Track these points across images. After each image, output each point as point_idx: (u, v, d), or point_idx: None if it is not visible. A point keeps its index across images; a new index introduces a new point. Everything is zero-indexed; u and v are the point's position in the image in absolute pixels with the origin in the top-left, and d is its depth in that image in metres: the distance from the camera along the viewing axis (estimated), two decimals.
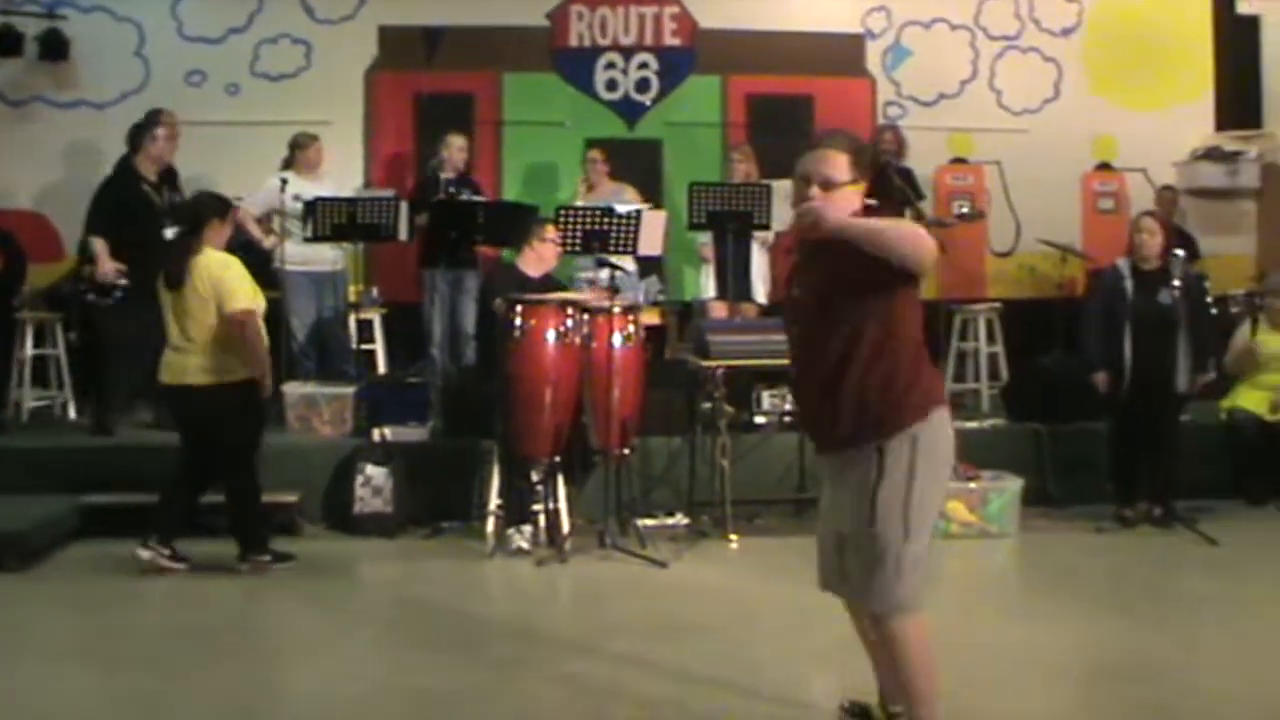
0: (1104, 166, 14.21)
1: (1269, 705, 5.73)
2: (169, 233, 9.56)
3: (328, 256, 11.15)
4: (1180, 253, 9.20)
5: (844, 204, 4.61)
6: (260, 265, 11.25)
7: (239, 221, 11.00)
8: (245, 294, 8.00)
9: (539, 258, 9.14)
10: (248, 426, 8.18)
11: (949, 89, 14.07)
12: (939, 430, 4.73)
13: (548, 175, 12.68)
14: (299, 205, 10.74)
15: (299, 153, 11.35)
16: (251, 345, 7.99)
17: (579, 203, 10.96)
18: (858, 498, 4.66)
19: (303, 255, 11.00)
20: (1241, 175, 14.34)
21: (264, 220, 11.19)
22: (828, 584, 4.99)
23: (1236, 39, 14.33)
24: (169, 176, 10.58)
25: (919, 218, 11.35)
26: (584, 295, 9.25)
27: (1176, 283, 8.99)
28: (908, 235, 4.40)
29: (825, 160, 4.65)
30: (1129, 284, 9.33)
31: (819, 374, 4.67)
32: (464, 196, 11.25)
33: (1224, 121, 14.46)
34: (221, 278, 7.94)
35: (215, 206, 8.26)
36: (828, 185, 4.61)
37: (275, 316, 10.93)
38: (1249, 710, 5.64)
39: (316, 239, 10.58)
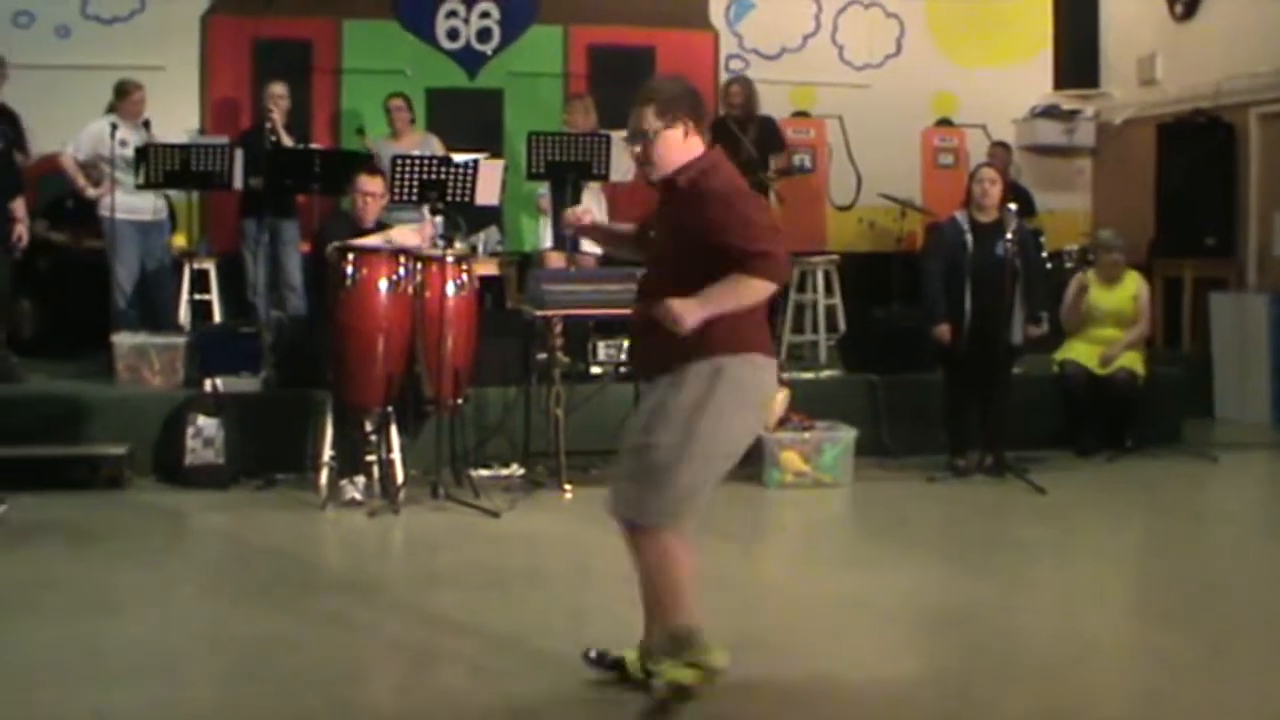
0: (944, 122, 14.42)
1: (1083, 644, 5.84)
2: None
3: (151, 205, 10.90)
4: (1013, 206, 9.34)
5: (665, 148, 4.99)
6: (86, 213, 11.12)
7: (62, 166, 10.78)
8: None
9: (364, 207, 8.97)
10: None
11: (791, 43, 14.09)
12: (752, 372, 4.96)
13: (380, 124, 12.46)
14: (127, 152, 10.50)
15: (123, 100, 11.00)
16: None
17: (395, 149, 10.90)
18: (647, 413, 4.95)
19: (129, 204, 10.71)
20: (1078, 134, 14.61)
21: (89, 167, 10.86)
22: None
23: None
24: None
25: (761, 172, 11.36)
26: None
27: (1010, 235, 9.11)
28: (745, 293, 4.80)
29: (635, 118, 5.01)
30: (969, 237, 9.42)
31: (649, 307, 4.86)
32: (287, 144, 11.15)
33: (1062, 80, 14.67)
34: None
35: None
36: (639, 138, 5.00)
37: (99, 265, 10.81)
38: (1064, 649, 5.75)
39: (149, 186, 10.38)
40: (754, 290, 4.82)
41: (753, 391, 4.96)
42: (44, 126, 11.47)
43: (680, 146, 4.99)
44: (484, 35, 13.39)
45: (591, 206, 11.03)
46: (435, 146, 11.53)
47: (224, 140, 11.07)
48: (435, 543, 7.77)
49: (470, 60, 13.40)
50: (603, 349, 9.73)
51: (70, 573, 7.05)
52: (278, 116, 11.24)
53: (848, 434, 9.30)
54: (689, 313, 4.70)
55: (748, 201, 5.01)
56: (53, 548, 7.53)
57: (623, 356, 9.66)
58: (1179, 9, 13.52)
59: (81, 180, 10.81)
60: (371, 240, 8.66)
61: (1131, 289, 10.54)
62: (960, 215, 9.60)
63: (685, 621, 4.90)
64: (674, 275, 4.88)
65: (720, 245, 4.79)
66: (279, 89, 11.47)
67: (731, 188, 4.99)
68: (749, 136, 11.64)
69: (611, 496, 4.99)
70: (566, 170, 10.50)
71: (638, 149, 5.02)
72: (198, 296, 11.24)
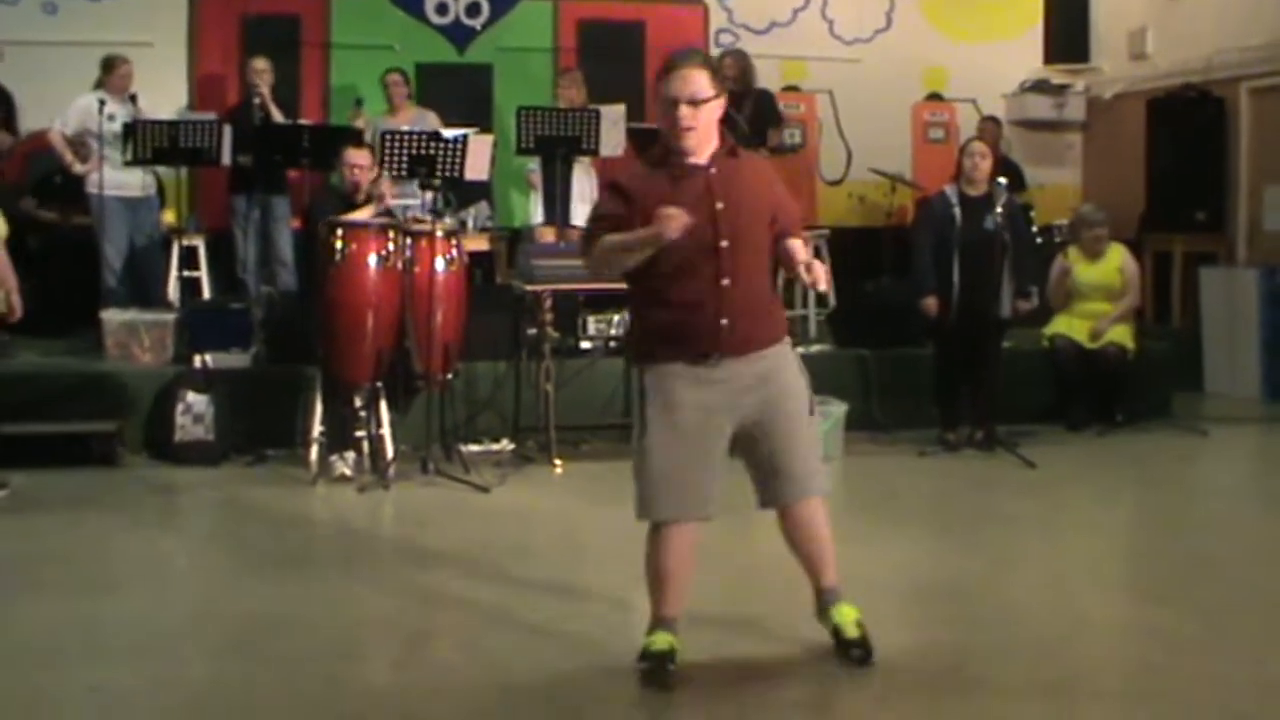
0: (934, 97, 14.40)
1: (1075, 618, 5.86)
2: None
3: (140, 182, 10.87)
4: (1003, 180, 9.34)
5: (709, 118, 4.96)
6: (74, 190, 11.06)
7: (50, 143, 10.75)
8: None
9: (353, 180, 8.95)
10: None
11: (781, 17, 14.07)
12: None
13: (376, 100, 12.43)
14: (115, 127, 10.47)
15: (110, 74, 10.93)
16: None
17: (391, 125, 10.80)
18: (797, 395, 5.11)
19: (117, 180, 10.68)
20: (1068, 108, 14.60)
21: (78, 143, 10.81)
22: (701, 508, 5.09)
23: None
24: None
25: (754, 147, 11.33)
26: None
27: (999, 209, 9.11)
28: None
29: (690, 79, 4.91)
30: (957, 211, 9.41)
31: (744, 279, 4.96)
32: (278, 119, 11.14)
33: (1052, 55, 14.65)
34: None
35: None
36: (695, 102, 4.90)
37: (88, 242, 10.78)
38: (1057, 623, 5.76)
39: (136, 162, 10.35)
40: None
41: None
42: (32, 104, 11.43)
43: (715, 119, 5.01)
44: (473, 10, 13.35)
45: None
46: (432, 122, 11.45)
47: (212, 116, 11.05)
48: (425, 518, 7.76)
49: (459, 35, 13.37)
50: (593, 324, 9.70)
51: (64, 550, 7.04)
52: (265, 91, 11.20)
53: (838, 408, 9.28)
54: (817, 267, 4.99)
55: None
56: (46, 525, 7.51)
57: (613, 331, 9.66)
58: None
59: (69, 156, 10.76)
60: (362, 213, 8.67)
61: (1116, 261, 10.53)
62: (949, 189, 9.59)
63: None
64: (759, 247, 5.02)
65: (784, 213, 5.09)
66: (261, 64, 11.42)
67: None
68: (744, 113, 11.56)
69: (804, 483, 5.13)
70: (556, 145, 10.50)
71: (685, 113, 4.89)
72: (186, 273, 11.23)
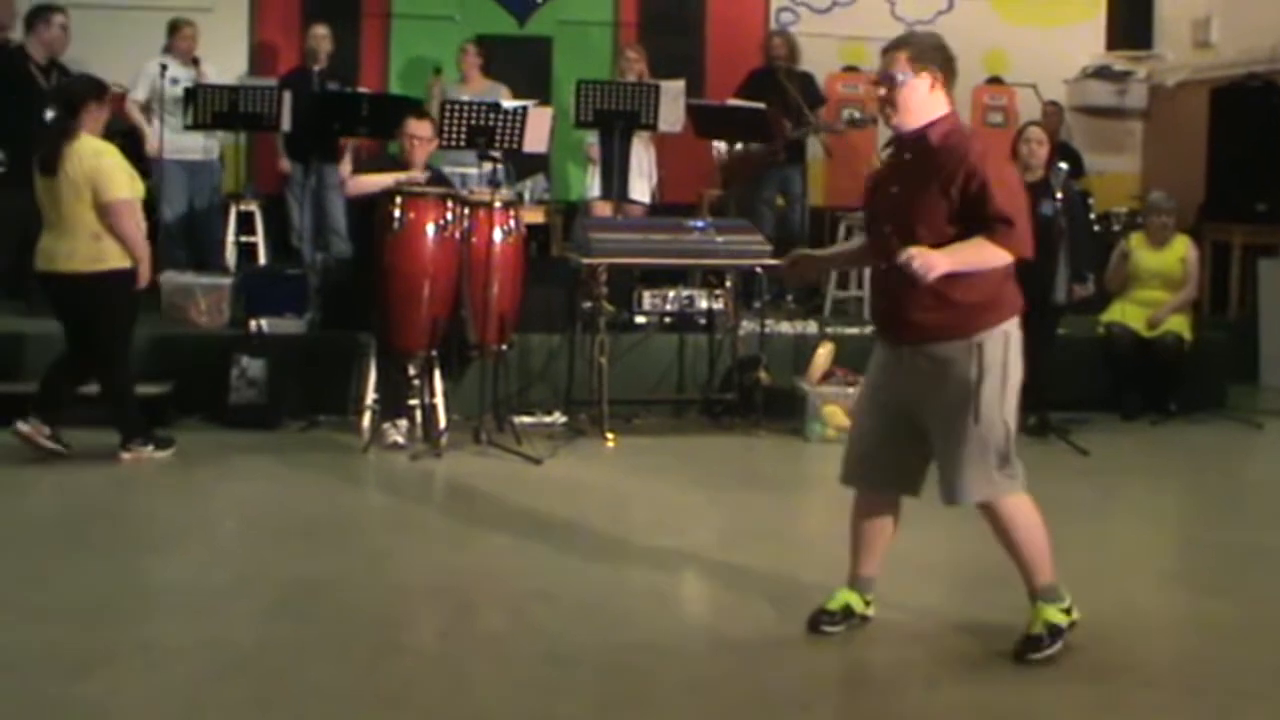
0: (995, 81, 14.27)
1: (1122, 606, 5.86)
2: (49, 114, 9.35)
3: (201, 145, 10.95)
4: (1063, 166, 9.29)
5: (911, 96, 5.02)
6: (134, 152, 11.12)
7: (125, 110, 10.84)
8: (122, 183, 7.82)
9: (412, 150, 8.95)
10: (120, 317, 8.00)
11: None
12: (1017, 334, 5.16)
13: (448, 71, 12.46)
14: (178, 91, 10.55)
15: (174, 36, 11.09)
16: (128, 235, 7.83)
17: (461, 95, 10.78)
18: (960, 396, 5.00)
19: (177, 144, 10.78)
20: (1130, 95, 14.48)
21: (146, 107, 10.93)
22: (881, 481, 5.38)
23: None
24: (57, 67, 10.41)
25: (809, 124, 11.33)
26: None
27: (1058, 195, 9.06)
28: (986, 256, 4.95)
29: (885, 62, 5.08)
30: None
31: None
32: (331, 88, 11.24)
33: (1115, 41, 14.55)
34: (97, 166, 7.74)
35: (91, 89, 8.05)
36: (889, 83, 5.03)
37: (150, 205, 10.84)
38: (1105, 611, 5.67)
39: (197, 126, 10.42)
40: (994, 255, 4.97)
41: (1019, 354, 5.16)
42: (93, 67, 11.44)
43: (925, 98, 5.04)
44: None
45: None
46: (502, 96, 11.39)
47: (272, 82, 11.10)
48: (476, 488, 7.76)
49: (519, 7, 13.36)
50: (648, 298, 9.71)
51: (116, 509, 7.13)
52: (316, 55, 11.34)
53: None
54: (937, 263, 4.82)
55: (1003, 166, 5.14)
56: (99, 483, 7.59)
57: (667, 306, 9.66)
58: None
59: (142, 120, 10.92)
60: (377, 178, 8.70)
61: (1180, 251, 10.47)
62: None
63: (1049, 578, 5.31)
64: (928, 235, 4.93)
65: (973, 204, 4.92)
66: (322, 30, 11.49)
67: (990, 148, 5.09)
68: (794, 84, 11.57)
69: (949, 489, 5.23)
70: (615, 119, 10.47)
71: (883, 92, 5.05)
72: (243, 238, 11.29)
